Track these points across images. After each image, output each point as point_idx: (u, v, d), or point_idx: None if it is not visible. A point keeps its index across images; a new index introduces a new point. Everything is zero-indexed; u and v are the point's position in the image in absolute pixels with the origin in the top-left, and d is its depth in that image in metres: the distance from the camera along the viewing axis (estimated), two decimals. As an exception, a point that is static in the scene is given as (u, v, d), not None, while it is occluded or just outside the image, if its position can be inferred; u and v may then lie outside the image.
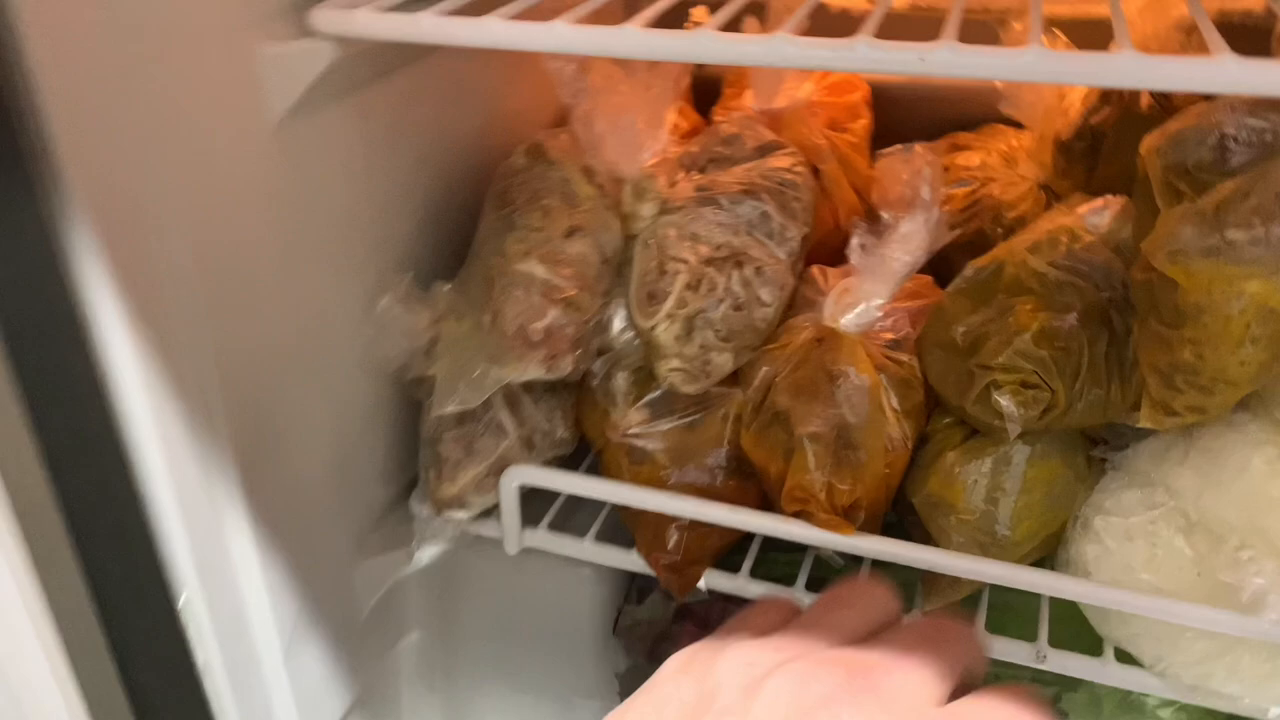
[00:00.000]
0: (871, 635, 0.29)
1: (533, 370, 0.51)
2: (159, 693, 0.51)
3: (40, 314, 0.39)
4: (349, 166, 0.52)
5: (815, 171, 0.63)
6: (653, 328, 0.52)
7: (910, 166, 0.58)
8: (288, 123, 0.47)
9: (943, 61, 0.37)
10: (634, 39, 0.41)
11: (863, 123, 0.67)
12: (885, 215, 0.61)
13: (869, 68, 0.39)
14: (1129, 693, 0.52)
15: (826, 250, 0.61)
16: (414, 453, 0.60)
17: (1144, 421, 0.43)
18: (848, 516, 0.50)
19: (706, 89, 0.71)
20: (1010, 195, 0.62)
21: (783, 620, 0.31)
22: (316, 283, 0.51)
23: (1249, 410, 0.45)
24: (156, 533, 0.47)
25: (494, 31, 0.43)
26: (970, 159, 0.66)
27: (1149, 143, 0.47)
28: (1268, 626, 0.41)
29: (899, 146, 0.64)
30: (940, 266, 0.57)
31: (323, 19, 0.45)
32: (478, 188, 0.61)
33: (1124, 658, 0.48)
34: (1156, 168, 0.46)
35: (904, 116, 0.71)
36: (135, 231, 0.40)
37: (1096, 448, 0.51)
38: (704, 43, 0.40)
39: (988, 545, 0.50)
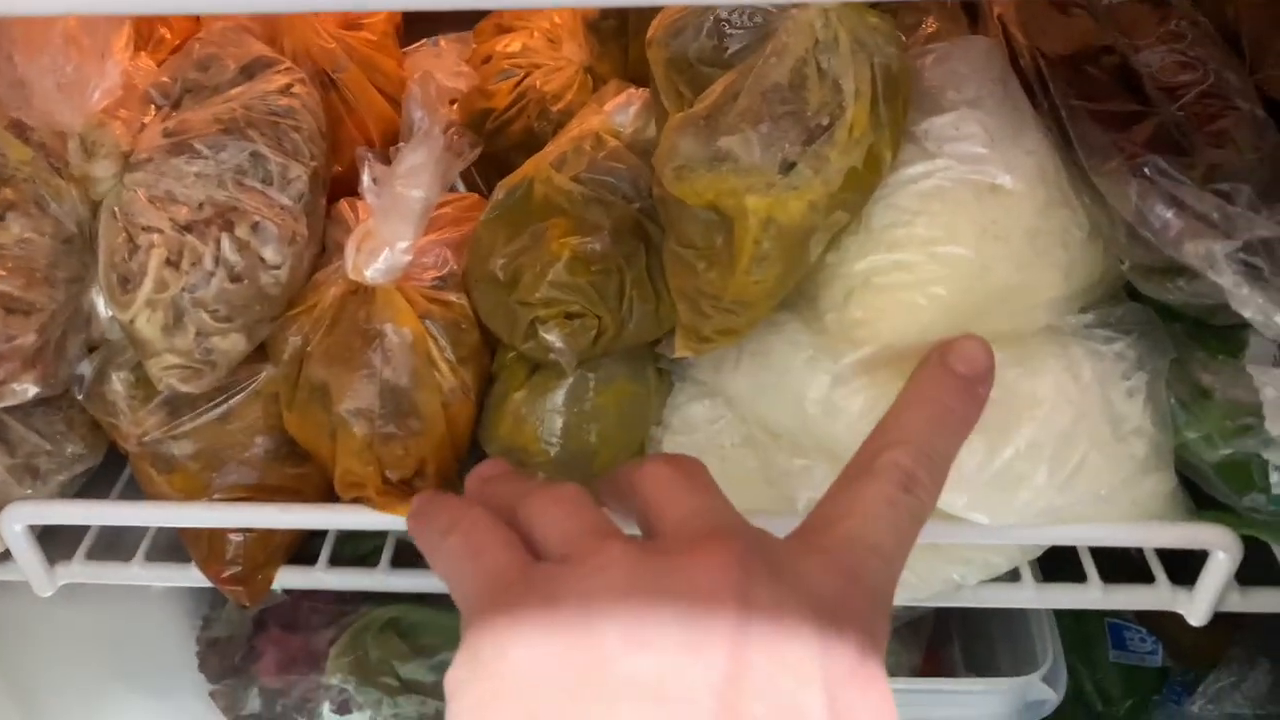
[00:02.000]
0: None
1: (-22, 404, 0.41)
2: None
3: None
4: None
5: (331, 84, 0.54)
6: (132, 320, 0.43)
7: (441, 64, 0.51)
8: None
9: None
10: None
11: (381, 15, 0.58)
12: (423, 118, 0.54)
13: None
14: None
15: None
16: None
17: (680, 351, 0.41)
18: (411, 489, 0.45)
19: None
20: (554, 85, 0.57)
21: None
22: None
23: (790, 309, 0.44)
24: None
25: None
26: (512, 43, 0.59)
27: (649, 33, 0.42)
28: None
29: (425, 41, 0.57)
30: (502, 173, 0.51)
31: None
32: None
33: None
34: (659, 62, 0.42)
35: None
36: None
37: (660, 359, 0.49)
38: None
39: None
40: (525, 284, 0.44)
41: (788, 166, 0.38)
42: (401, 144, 0.45)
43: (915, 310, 0.39)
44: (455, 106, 0.60)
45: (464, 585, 0.28)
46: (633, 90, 0.49)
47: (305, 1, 0.42)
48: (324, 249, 0.50)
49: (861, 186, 0.39)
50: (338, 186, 0.52)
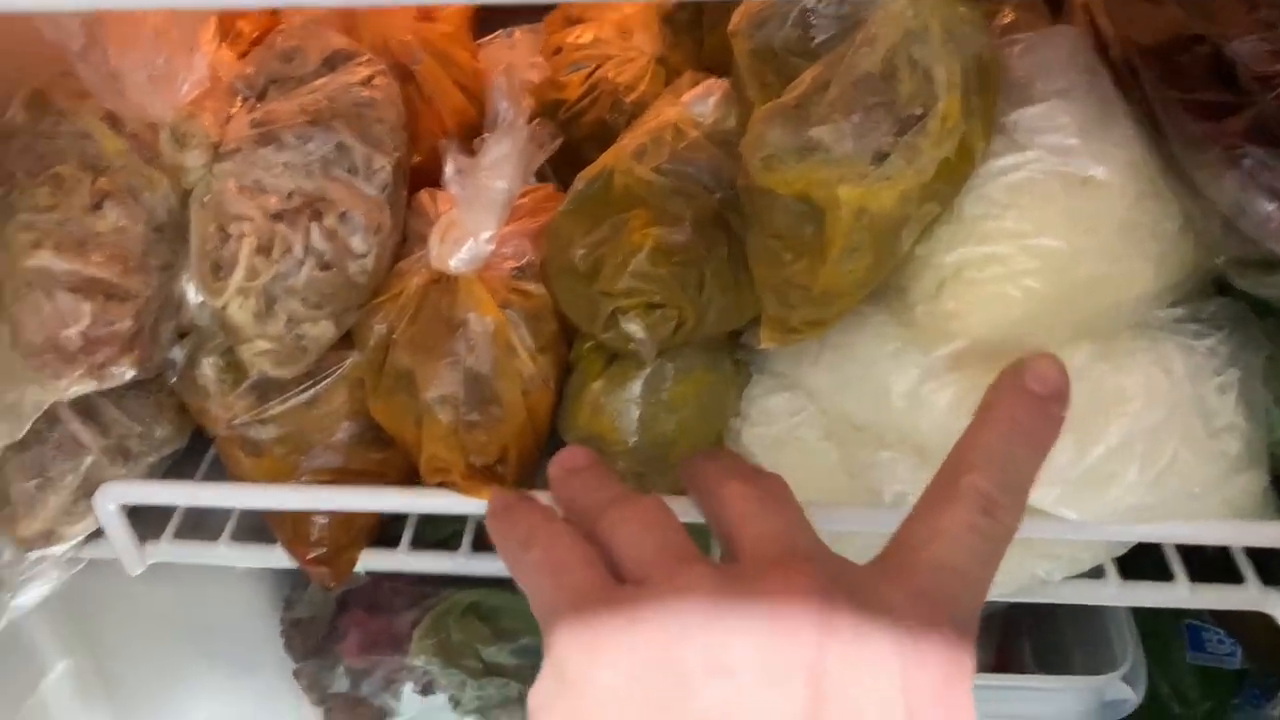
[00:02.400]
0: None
1: (77, 386, 0.42)
2: None
3: None
4: None
5: (409, 76, 0.55)
6: (224, 307, 0.44)
7: (516, 55, 0.51)
8: None
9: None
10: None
11: (455, 8, 0.58)
12: (507, 108, 0.54)
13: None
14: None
15: (438, 168, 0.54)
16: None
17: (765, 342, 0.41)
18: (494, 475, 0.46)
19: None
20: (626, 76, 0.57)
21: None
22: None
23: (876, 301, 0.43)
24: None
25: None
26: (583, 35, 0.59)
27: (733, 23, 0.42)
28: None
29: (500, 32, 0.57)
30: (573, 164, 0.51)
31: None
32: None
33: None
34: (743, 53, 0.42)
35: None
36: None
37: (739, 350, 0.49)
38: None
39: (646, 474, 0.47)
40: (606, 274, 0.44)
41: (880, 157, 0.38)
42: (486, 135, 0.45)
43: (1008, 302, 0.39)
44: (538, 91, 0.60)
45: (544, 600, 0.29)
46: (712, 81, 0.49)
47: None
48: (404, 239, 0.50)
49: (954, 177, 0.38)
50: (415, 177, 0.52)
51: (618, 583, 0.28)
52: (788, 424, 0.46)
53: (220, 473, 0.51)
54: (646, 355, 0.45)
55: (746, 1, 0.42)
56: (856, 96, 0.38)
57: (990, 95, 0.39)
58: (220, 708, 0.63)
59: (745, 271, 0.46)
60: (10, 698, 0.56)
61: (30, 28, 0.43)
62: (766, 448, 0.46)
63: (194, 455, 0.53)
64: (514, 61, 0.49)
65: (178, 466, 0.52)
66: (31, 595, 0.50)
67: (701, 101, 0.48)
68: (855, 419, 0.44)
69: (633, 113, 0.56)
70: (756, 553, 0.28)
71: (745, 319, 0.47)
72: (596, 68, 0.59)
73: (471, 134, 0.58)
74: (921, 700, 0.25)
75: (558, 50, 0.60)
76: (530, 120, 0.45)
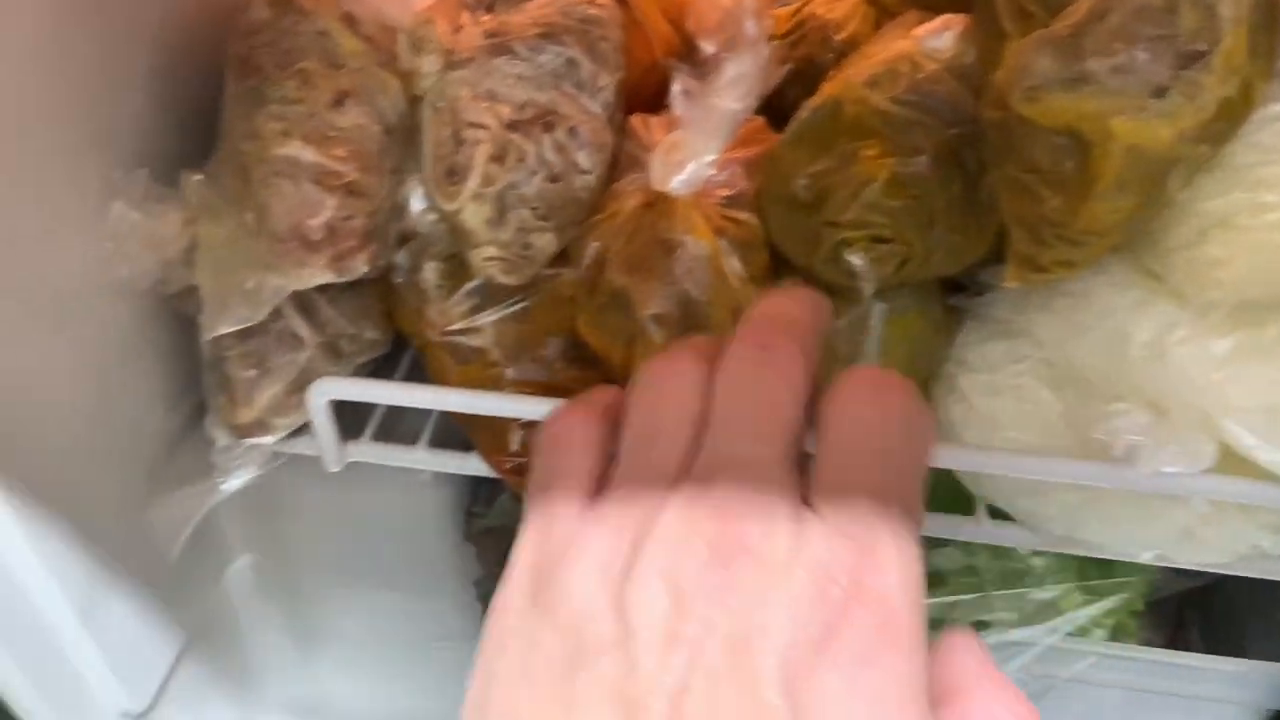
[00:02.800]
0: (700, 421, 0.27)
1: (318, 276, 0.43)
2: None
3: None
4: (34, 42, 0.40)
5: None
6: (458, 211, 0.44)
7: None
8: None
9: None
10: None
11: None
12: (705, 46, 0.54)
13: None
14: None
15: (643, 93, 0.54)
16: (197, 371, 0.52)
17: (1011, 281, 0.40)
18: (698, 399, 0.46)
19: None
20: (837, 13, 0.56)
21: (593, 454, 0.28)
22: (20, 194, 0.40)
23: (1115, 248, 0.42)
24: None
25: None
26: (794, -32, 0.58)
27: (997, -49, 0.41)
28: (1142, 479, 0.39)
29: (715, -40, 0.56)
30: (769, 101, 0.50)
31: None
32: (215, 45, 0.50)
33: (996, 513, 0.47)
34: (1005, -18, 0.40)
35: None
36: None
37: (954, 295, 0.48)
38: None
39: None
40: (834, 204, 0.44)
41: (1159, 92, 0.36)
42: (723, 53, 0.45)
43: (1276, 253, 0.37)
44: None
45: None
46: (949, 16, 0.47)
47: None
48: (616, 161, 0.50)
49: (1233, 118, 0.37)
50: (626, 100, 0.52)
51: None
52: (1009, 371, 0.45)
53: (415, 381, 0.52)
54: (866, 290, 0.44)
55: (1011, -72, 0.40)
56: (1136, 28, 0.36)
57: (1275, 35, 0.37)
58: (384, 618, 0.66)
59: (973, 213, 0.45)
60: (199, 582, 0.59)
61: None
62: (983, 394, 0.45)
63: (386, 365, 0.54)
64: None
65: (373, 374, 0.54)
66: (233, 484, 0.53)
67: (937, 36, 0.46)
68: (1086, 369, 0.43)
69: (841, 51, 0.55)
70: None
71: (966, 263, 0.46)
72: (805, 3, 0.58)
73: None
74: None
75: (767, -17, 0.59)
76: (772, 40, 0.44)
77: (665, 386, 0.28)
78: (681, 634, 0.22)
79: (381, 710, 0.72)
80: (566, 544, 0.25)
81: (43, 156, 0.41)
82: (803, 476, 0.26)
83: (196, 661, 0.59)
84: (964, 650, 0.25)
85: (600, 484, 0.27)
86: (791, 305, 0.30)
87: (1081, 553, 0.46)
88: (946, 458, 0.44)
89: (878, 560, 0.23)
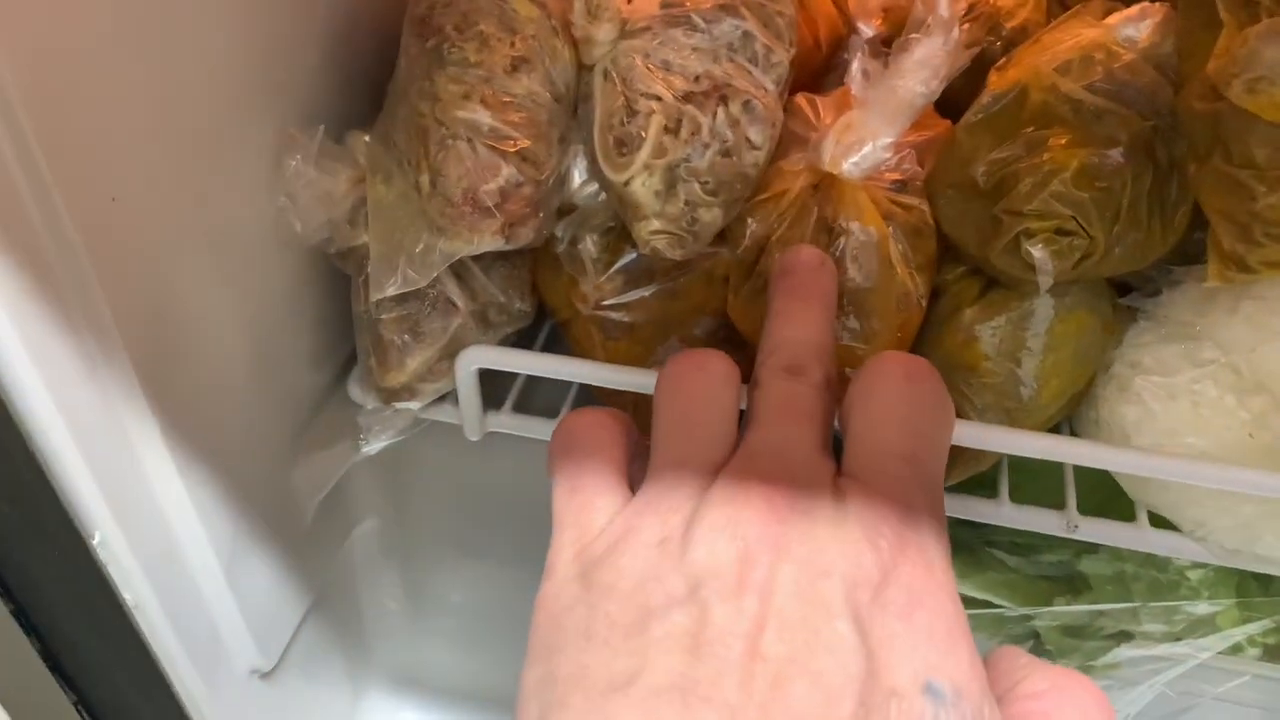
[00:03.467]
0: (733, 416, 0.30)
1: (488, 242, 0.43)
2: (81, 643, 0.44)
3: None
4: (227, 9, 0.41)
5: (793, -23, 0.53)
6: (627, 182, 0.44)
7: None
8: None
9: None
10: None
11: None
12: (864, 29, 0.53)
13: None
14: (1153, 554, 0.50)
15: (806, 72, 0.53)
16: (344, 330, 0.52)
17: (1212, 279, 0.38)
18: (856, 388, 0.45)
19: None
20: (1008, 1, 0.54)
21: (620, 451, 0.30)
22: (202, 146, 0.41)
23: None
24: (53, 472, 0.39)
25: None
26: (966, -47, 0.56)
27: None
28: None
29: (887, -59, 0.55)
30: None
31: None
32: (383, 6, 0.50)
33: (1158, 521, 0.45)
34: (1225, -33, 0.38)
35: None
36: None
37: (1125, 295, 0.46)
38: None
39: (1013, 409, 0.45)
40: (1019, 192, 0.42)
41: (1402, 86, 0.34)
42: (912, 34, 0.43)
43: None
44: (887, 15, 0.58)
45: None
46: (1146, 4, 0.46)
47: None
48: (780, 140, 0.49)
49: None
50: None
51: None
52: (1188, 375, 0.43)
53: (556, 353, 0.51)
54: (1044, 284, 0.43)
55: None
56: (1379, 17, 0.34)
57: None
58: (494, 592, 0.66)
59: (1160, 210, 0.43)
60: (328, 543, 0.59)
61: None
62: (1159, 398, 0.43)
63: (522, 340, 0.54)
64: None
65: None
66: (373, 447, 0.53)
67: (1133, 24, 0.44)
68: (1276, 377, 0.41)
69: (1012, 39, 0.53)
70: None
71: (1147, 261, 0.44)
72: (975, -13, 0.56)
73: (836, 44, 0.57)
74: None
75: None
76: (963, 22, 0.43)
77: (696, 379, 0.30)
78: (749, 580, 0.24)
79: (483, 685, 0.72)
80: (614, 535, 0.26)
81: (226, 109, 0.42)
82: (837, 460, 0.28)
83: (317, 624, 0.60)
84: (1013, 653, 0.27)
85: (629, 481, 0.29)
86: (811, 331, 0.33)
87: (1254, 568, 0.44)
88: (1121, 461, 0.42)
89: (915, 520, 0.26)
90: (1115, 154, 0.41)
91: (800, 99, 0.50)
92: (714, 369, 0.30)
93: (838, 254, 0.44)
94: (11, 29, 0.31)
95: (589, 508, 0.28)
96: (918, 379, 0.29)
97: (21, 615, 0.43)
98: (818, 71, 0.55)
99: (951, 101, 0.48)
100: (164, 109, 0.38)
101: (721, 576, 0.24)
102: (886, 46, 0.49)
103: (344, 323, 0.51)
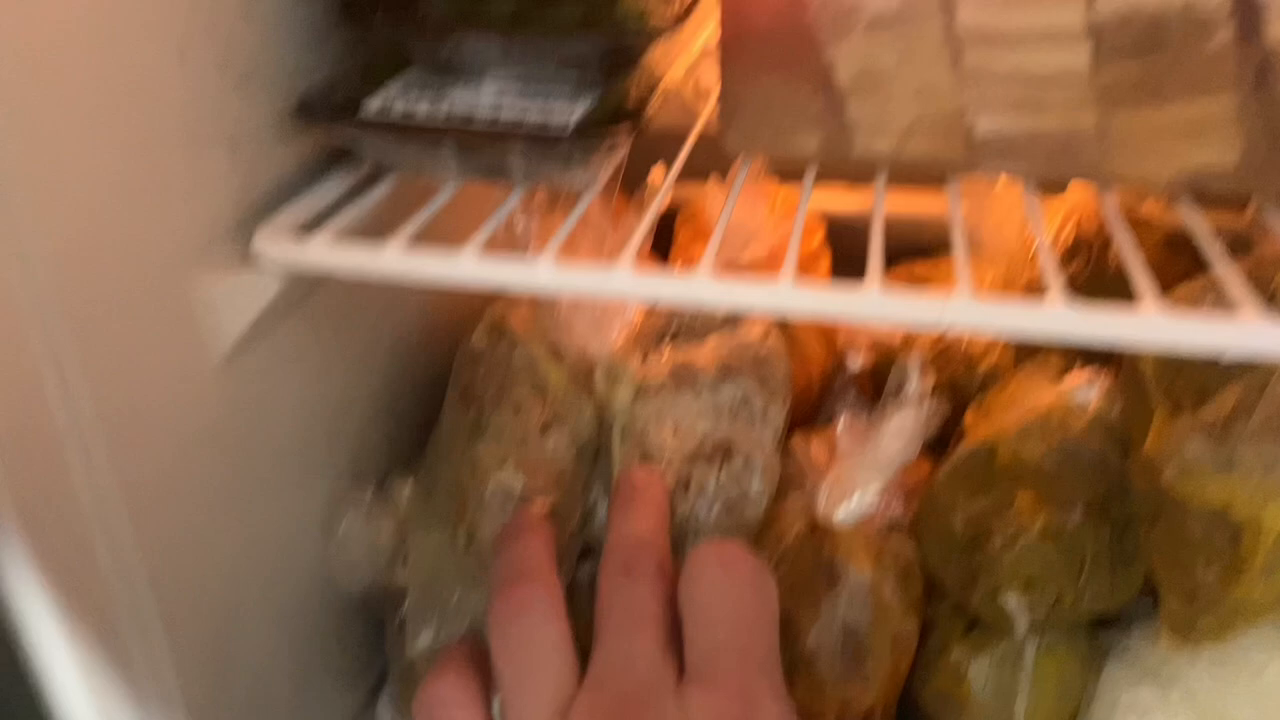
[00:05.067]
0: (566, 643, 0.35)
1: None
2: None
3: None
4: (299, 381, 0.47)
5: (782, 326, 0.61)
6: (640, 536, 0.49)
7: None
8: (233, 356, 0.42)
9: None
10: (627, 282, 0.38)
11: (824, 265, 0.65)
12: (850, 363, 0.59)
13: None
14: None
15: (800, 409, 0.59)
16: (376, 650, 0.56)
17: (1167, 646, 0.42)
18: (858, 727, 0.48)
19: (661, 225, 0.68)
20: (978, 345, 0.61)
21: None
22: (265, 505, 0.46)
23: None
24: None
25: (469, 269, 0.39)
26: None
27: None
28: None
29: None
30: None
31: (269, 250, 0.40)
32: (434, 361, 0.57)
33: None
34: (1148, 364, 0.45)
35: (859, 244, 0.69)
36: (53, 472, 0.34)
37: (1100, 631, 0.50)
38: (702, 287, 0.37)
39: (996, 743, 0.48)
40: (991, 547, 0.47)
41: (1310, 484, 0.39)
42: (890, 402, 0.50)
43: None
44: (873, 349, 0.65)
45: None
46: (1094, 371, 0.52)
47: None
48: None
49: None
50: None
51: None
52: (1159, 716, 0.46)
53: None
54: (1019, 629, 0.47)
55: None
56: (1282, 423, 0.40)
57: None
58: None
59: (1122, 559, 0.47)
60: None
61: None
62: (1138, 738, 0.46)
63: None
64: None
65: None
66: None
67: (1084, 391, 0.51)
68: (1239, 724, 0.44)
69: (983, 382, 0.60)
70: None
71: (1118, 603, 0.48)
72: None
73: (824, 381, 0.64)
74: None
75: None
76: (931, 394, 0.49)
77: (520, 626, 0.35)
78: None
79: None
80: None
81: (290, 469, 0.47)
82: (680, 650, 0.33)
83: None
84: None
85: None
86: (639, 526, 0.40)
87: None
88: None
89: (756, 706, 0.30)
90: (1075, 514, 0.46)
91: (796, 442, 0.56)
92: (533, 610, 0.35)
93: (837, 598, 0.49)
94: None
95: None
96: (731, 566, 0.35)
97: None
98: (812, 406, 0.62)
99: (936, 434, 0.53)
100: (236, 483, 0.44)
101: None
102: (874, 380, 0.56)
103: (373, 644, 0.55)
